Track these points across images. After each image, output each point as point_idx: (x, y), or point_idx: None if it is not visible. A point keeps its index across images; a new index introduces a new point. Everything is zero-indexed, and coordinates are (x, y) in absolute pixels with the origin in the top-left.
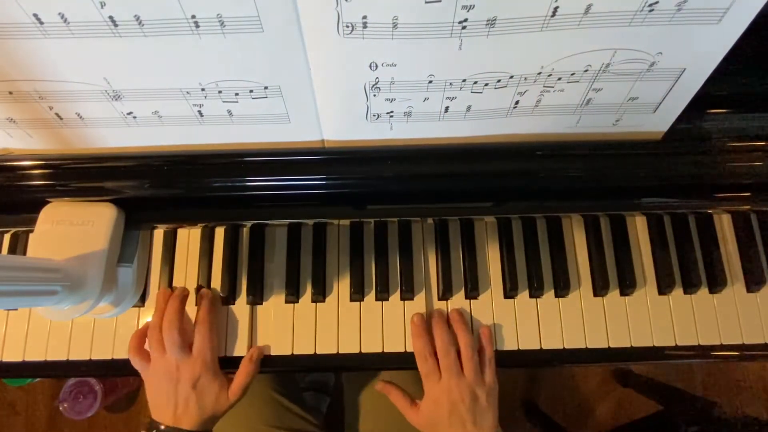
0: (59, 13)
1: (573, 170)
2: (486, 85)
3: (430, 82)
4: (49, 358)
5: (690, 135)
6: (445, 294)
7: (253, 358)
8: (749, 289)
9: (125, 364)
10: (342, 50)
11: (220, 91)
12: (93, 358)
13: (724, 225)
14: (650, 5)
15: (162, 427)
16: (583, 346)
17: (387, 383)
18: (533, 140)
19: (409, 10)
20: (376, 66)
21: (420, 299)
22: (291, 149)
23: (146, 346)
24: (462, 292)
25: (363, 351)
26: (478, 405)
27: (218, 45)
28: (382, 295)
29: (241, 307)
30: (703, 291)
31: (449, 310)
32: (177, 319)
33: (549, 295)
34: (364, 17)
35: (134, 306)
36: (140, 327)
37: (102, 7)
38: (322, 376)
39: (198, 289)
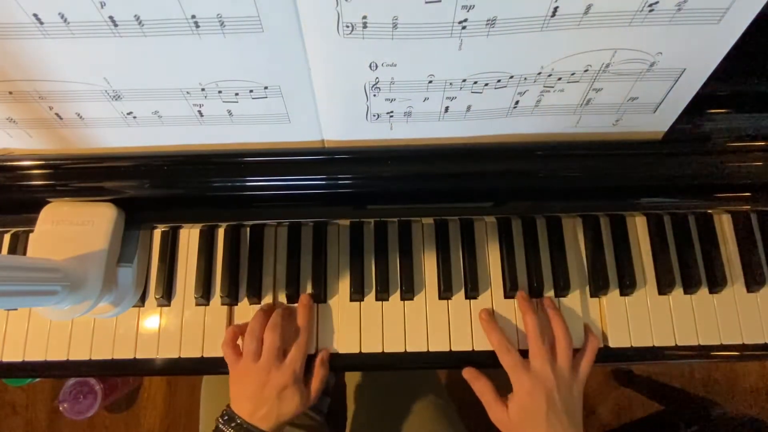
0: (59, 13)
1: (573, 170)
2: (486, 85)
3: (430, 82)
4: (49, 358)
5: (690, 135)
6: (445, 294)
7: (324, 360)
8: (749, 289)
9: (125, 364)
10: (342, 50)
11: (220, 91)
12: (93, 358)
13: (724, 225)
14: (650, 5)
15: (238, 420)
16: None
17: (474, 370)
18: (533, 140)
19: (409, 10)
20: (376, 66)
21: (420, 299)
22: (291, 149)
23: (239, 342)
24: (462, 292)
25: (363, 351)
26: (572, 397)
27: (218, 45)
28: (382, 295)
29: (242, 307)
30: (703, 291)
31: (543, 298)
32: (282, 325)
33: (549, 295)
34: (364, 17)
35: (134, 306)
36: (234, 323)
37: (102, 7)
38: None
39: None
